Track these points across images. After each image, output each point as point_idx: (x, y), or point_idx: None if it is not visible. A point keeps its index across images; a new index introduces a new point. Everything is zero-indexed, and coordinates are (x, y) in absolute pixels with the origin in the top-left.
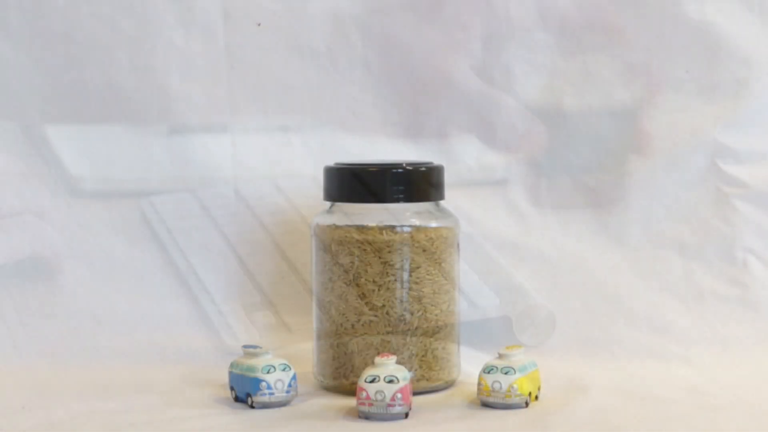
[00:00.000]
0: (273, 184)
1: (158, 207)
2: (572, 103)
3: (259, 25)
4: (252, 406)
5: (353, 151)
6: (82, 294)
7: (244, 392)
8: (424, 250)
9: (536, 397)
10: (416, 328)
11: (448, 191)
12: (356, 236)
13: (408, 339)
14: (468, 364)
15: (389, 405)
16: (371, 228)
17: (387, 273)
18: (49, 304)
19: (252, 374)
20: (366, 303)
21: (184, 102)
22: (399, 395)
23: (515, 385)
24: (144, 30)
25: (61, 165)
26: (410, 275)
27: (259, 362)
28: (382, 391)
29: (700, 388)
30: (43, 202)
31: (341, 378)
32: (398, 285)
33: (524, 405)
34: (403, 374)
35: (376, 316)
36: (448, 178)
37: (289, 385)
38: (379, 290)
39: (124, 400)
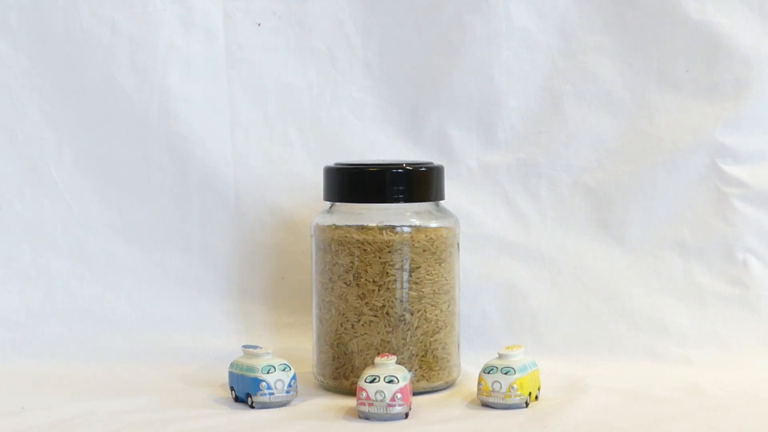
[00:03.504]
0: (273, 184)
1: (158, 206)
2: (572, 103)
3: (259, 25)
4: (252, 406)
5: (353, 151)
6: (82, 294)
7: (244, 392)
8: (424, 250)
9: (536, 397)
10: (416, 328)
11: (448, 191)
12: (356, 236)
13: (408, 339)
14: (468, 364)
15: (389, 405)
16: (371, 228)
17: (387, 273)
18: (50, 304)
19: (252, 374)
20: (366, 303)
21: (184, 102)
22: (399, 395)
23: (515, 385)
24: (144, 30)
25: (62, 165)
26: (410, 275)
27: (259, 362)
28: (382, 391)
29: (700, 388)
30: (44, 202)
31: (341, 378)
32: (398, 285)
33: (524, 405)
34: (403, 374)
35: (376, 316)
36: (448, 178)
37: (289, 385)
38: (379, 290)
39: (124, 400)
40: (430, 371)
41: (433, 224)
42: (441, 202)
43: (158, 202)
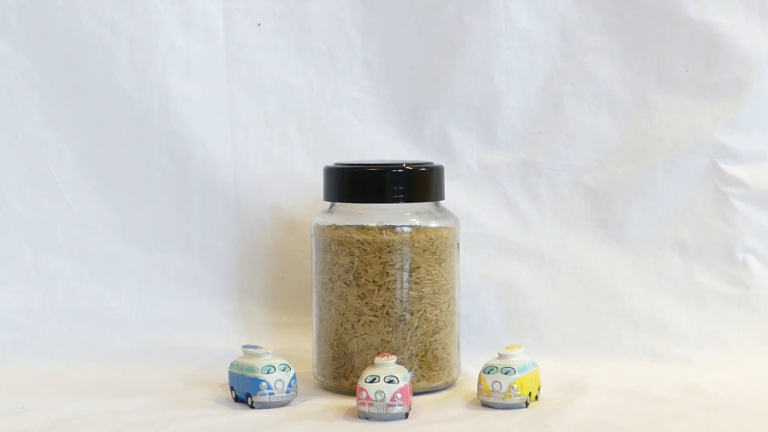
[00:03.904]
0: (273, 184)
1: (158, 206)
2: (572, 103)
3: (259, 25)
4: (252, 406)
5: (353, 151)
6: (82, 294)
7: (244, 392)
8: (424, 250)
9: (536, 397)
10: (416, 328)
11: (448, 191)
12: (356, 236)
13: (408, 339)
14: (468, 364)
15: (389, 405)
16: (371, 228)
17: (387, 273)
18: (50, 304)
19: (252, 374)
20: (366, 303)
21: (184, 102)
22: (399, 395)
23: (515, 385)
24: (144, 30)
25: (62, 165)
26: (410, 275)
27: (259, 362)
28: (382, 391)
29: (700, 388)
30: (44, 202)
31: (341, 378)
32: (398, 285)
33: (524, 405)
34: (403, 374)
35: (376, 316)
36: (448, 178)
37: (289, 385)
38: (379, 290)
39: (124, 400)
40: (430, 371)
41: (433, 224)
42: (441, 202)
43: (158, 202)
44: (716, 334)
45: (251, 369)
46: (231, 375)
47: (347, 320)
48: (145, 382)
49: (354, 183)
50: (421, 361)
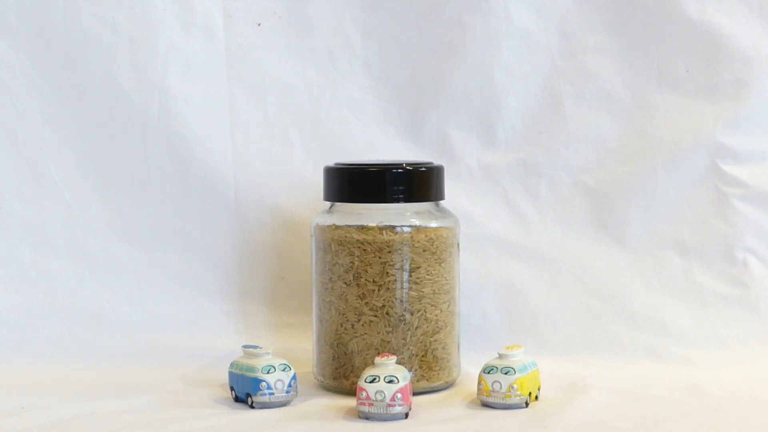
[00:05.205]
0: (273, 184)
1: (158, 206)
2: (572, 103)
3: (259, 25)
4: (252, 406)
5: (353, 151)
6: (82, 294)
7: (244, 392)
8: (424, 250)
9: (536, 397)
10: (416, 328)
11: (448, 191)
12: (356, 236)
13: (408, 339)
14: (468, 364)
15: (389, 405)
16: (371, 228)
17: (387, 273)
18: (50, 304)
19: (252, 374)
20: (366, 303)
21: (184, 102)
22: (399, 395)
23: (515, 385)
24: (144, 30)
25: (62, 165)
26: (410, 275)
27: (259, 362)
28: (382, 391)
29: (700, 388)
30: (44, 202)
31: (341, 378)
32: (398, 285)
33: (524, 405)
34: (403, 374)
35: (376, 316)
36: (448, 178)
37: (289, 385)
38: (379, 290)
39: (124, 400)
40: (430, 371)
41: (433, 224)
42: (441, 202)
43: (158, 202)
44: (716, 334)
45: (251, 369)
46: (231, 375)
47: (347, 320)
48: (145, 382)
49: (354, 183)
50: (421, 361)
